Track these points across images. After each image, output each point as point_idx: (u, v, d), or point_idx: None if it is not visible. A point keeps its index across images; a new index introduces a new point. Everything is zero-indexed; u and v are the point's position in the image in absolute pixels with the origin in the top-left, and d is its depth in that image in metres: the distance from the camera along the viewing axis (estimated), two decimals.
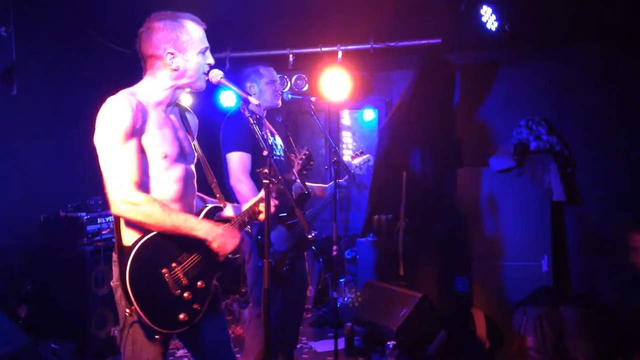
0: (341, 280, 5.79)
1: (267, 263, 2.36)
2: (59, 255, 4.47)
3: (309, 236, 3.31)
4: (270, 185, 2.44)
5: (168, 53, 2.34)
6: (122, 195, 2.17)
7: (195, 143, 2.56)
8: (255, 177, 3.47)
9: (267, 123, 3.81)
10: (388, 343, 4.39)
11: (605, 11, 4.87)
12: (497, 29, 4.87)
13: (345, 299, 5.51)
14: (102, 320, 4.41)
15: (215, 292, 2.51)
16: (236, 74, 3.91)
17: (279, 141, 3.77)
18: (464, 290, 5.13)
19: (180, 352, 4.75)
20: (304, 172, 3.10)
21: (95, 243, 4.52)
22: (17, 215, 4.57)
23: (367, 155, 4.20)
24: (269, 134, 3.62)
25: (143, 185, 2.26)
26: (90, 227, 4.56)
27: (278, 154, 3.66)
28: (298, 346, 5.12)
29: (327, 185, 4.03)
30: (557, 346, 4.57)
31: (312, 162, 3.13)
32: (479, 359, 4.85)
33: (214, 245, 2.34)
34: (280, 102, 3.84)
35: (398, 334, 4.38)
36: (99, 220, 4.64)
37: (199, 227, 2.30)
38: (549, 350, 4.53)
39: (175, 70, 2.36)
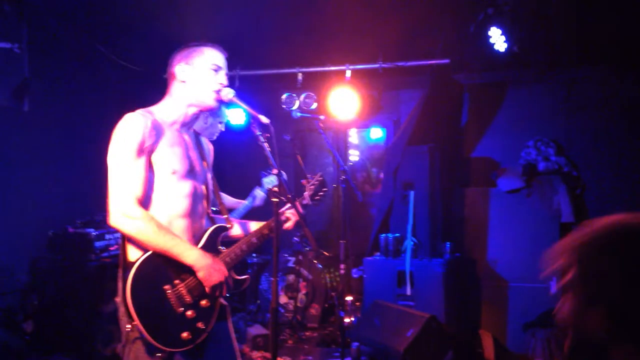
0: (348, 299, 5.76)
1: (275, 282, 2.36)
2: (66, 271, 4.47)
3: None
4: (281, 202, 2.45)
5: (178, 66, 2.45)
6: (122, 208, 2.21)
7: (205, 165, 2.59)
8: None
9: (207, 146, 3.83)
10: None
11: (613, 33, 4.88)
12: (505, 50, 4.88)
13: (352, 319, 5.47)
14: (108, 337, 4.39)
15: (222, 312, 2.49)
16: (247, 93, 3.94)
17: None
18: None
19: None
20: (317, 197, 3.05)
21: (103, 259, 4.52)
22: (26, 230, 4.58)
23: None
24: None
25: (145, 202, 2.30)
26: (98, 244, 4.56)
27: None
28: None
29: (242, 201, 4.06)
30: None
31: (325, 189, 3.06)
32: None
33: (199, 274, 2.33)
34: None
35: (405, 354, 4.34)
36: (107, 237, 4.64)
37: (187, 254, 2.30)
38: None
39: (183, 82, 2.44)
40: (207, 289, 2.35)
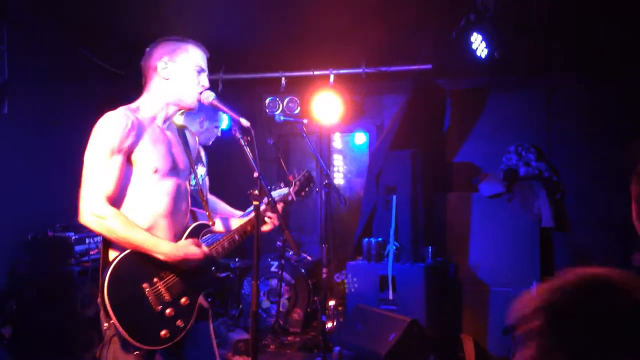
0: (330, 303, 5.76)
1: (255, 285, 2.35)
2: (46, 275, 4.42)
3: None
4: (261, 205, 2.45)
5: (162, 62, 2.42)
6: (90, 207, 2.21)
7: (190, 161, 2.58)
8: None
9: (201, 150, 3.80)
10: None
11: (591, 40, 4.95)
12: (487, 56, 4.93)
13: (334, 323, 5.47)
14: (88, 342, 4.35)
15: (203, 313, 2.49)
16: (230, 96, 3.93)
17: (201, 171, 3.74)
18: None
19: None
20: (302, 193, 3.02)
21: (82, 263, 4.48)
22: (4, 234, 4.52)
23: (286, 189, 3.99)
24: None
25: (117, 201, 2.29)
26: (78, 247, 4.52)
27: (193, 183, 3.60)
28: None
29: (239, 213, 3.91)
30: None
31: (312, 184, 3.04)
32: None
33: (176, 269, 2.34)
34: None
35: (386, 358, 4.34)
36: (87, 241, 4.60)
37: (159, 249, 2.29)
38: None
39: (166, 79, 2.42)
40: (185, 281, 2.35)
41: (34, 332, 4.31)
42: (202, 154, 3.90)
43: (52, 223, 4.64)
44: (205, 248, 2.45)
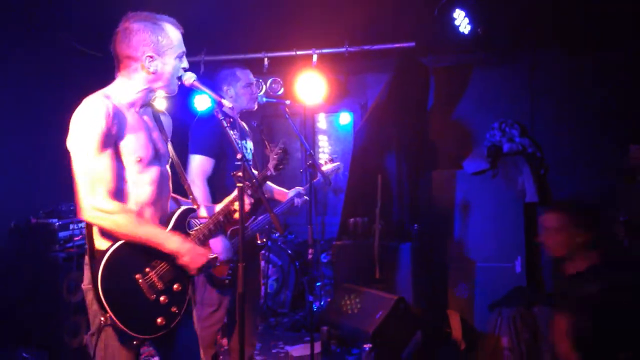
0: (317, 284, 5.79)
1: (241, 267, 2.35)
2: (30, 262, 4.38)
3: (258, 242, 3.37)
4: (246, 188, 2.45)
5: (147, 56, 2.32)
6: (94, 202, 2.15)
7: (169, 145, 2.54)
8: (213, 184, 3.48)
9: (243, 124, 3.79)
10: (364, 346, 4.39)
11: (575, 17, 4.95)
12: (470, 32, 4.91)
13: (322, 303, 5.50)
14: (75, 328, 4.33)
15: (189, 298, 2.49)
16: (211, 78, 3.88)
17: (250, 145, 3.74)
18: (463, 296, 5.20)
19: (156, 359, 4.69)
20: (281, 166, 3.07)
21: (67, 250, 4.45)
22: None
23: (337, 163, 4.18)
24: (238, 137, 3.57)
25: (118, 192, 2.23)
26: (62, 234, 4.48)
27: (248, 157, 3.63)
28: (274, 351, 5.13)
29: (287, 191, 3.96)
30: (531, 346, 4.62)
31: (288, 157, 3.09)
32: None
33: (184, 259, 2.32)
34: (256, 105, 3.82)
35: (374, 336, 4.38)
36: (71, 227, 4.56)
37: (169, 242, 2.28)
38: (523, 351, 4.57)
39: (152, 73, 2.34)
40: (192, 272, 2.36)
41: (19, 319, 4.29)
42: (245, 126, 3.85)
43: (35, 209, 4.59)
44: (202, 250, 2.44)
